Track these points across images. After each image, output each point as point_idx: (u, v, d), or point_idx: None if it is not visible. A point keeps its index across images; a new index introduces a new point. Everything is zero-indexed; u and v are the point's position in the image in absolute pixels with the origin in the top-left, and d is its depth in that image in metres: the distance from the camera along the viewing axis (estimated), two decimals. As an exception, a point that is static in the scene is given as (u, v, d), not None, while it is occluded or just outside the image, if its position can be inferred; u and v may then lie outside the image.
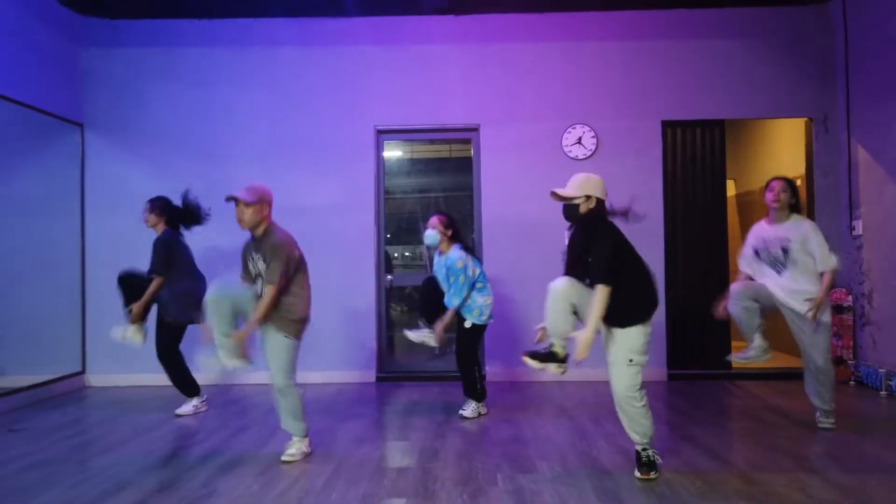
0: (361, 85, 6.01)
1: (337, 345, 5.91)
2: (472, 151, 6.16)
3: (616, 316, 3.14)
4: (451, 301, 4.44)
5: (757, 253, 4.14)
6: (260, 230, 3.60)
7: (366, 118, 6.02)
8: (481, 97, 6.00)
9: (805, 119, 6.01)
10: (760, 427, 4.21)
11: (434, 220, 4.58)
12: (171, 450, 3.82)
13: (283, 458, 3.59)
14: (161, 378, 4.91)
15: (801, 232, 3.96)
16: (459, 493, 3.03)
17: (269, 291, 3.47)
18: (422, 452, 3.73)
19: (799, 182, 6.47)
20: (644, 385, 3.23)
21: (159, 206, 4.72)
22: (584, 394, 5.27)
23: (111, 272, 5.78)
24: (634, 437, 3.25)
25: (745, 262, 4.25)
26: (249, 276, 3.69)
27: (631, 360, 3.15)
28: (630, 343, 3.15)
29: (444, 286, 4.55)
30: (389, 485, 3.18)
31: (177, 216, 4.75)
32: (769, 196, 4.05)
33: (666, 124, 5.97)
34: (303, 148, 5.99)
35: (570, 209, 3.22)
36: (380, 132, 6.10)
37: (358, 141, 6.01)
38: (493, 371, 5.83)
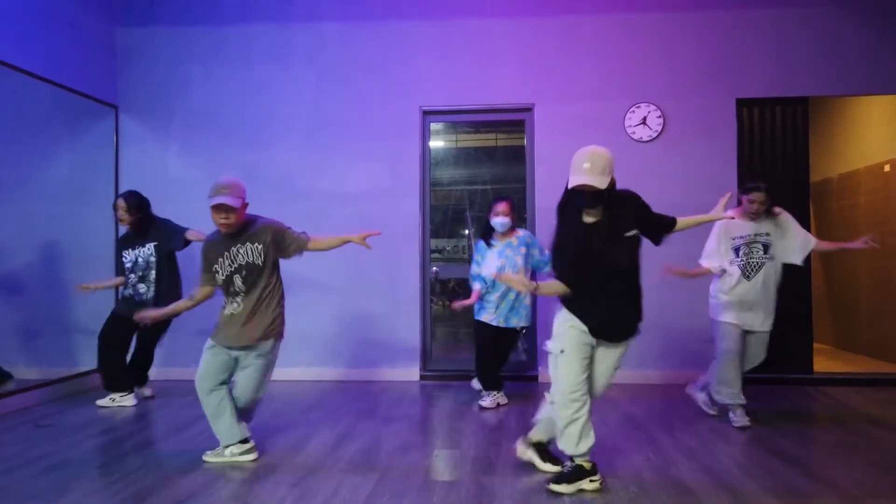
0: (407, 62, 5.62)
1: (379, 341, 5.54)
2: (524, 140, 5.70)
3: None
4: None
5: (737, 251, 3.99)
6: (239, 226, 3.28)
7: (411, 98, 5.62)
8: (536, 74, 5.53)
9: (900, 96, 5.40)
10: (859, 441, 3.68)
11: (503, 205, 4.45)
12: (202, 451, 3.48)
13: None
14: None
15: (775, 223, 4.02)
16: (521, 515, 2.62)
17: (312, 244, 3.36)
18: (474, 463, 3.32)
19: (887, 168, 5.85)
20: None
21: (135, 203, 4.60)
22: (650, 398, 4.79)
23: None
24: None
25: (712, 258, 4.04)
26: (214, 280, 3.32)
27: None
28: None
29: (513, 269, 4.38)
30: (439, 501, 2.78)
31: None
32: (752, 207, 3.99)
33: (741, 103, 5.41)
34: (344, 130, 5.63)
35: (597, 197, 2.79)
36: (426, 113, 5.69)
37: (403, 122, 5.61)
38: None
